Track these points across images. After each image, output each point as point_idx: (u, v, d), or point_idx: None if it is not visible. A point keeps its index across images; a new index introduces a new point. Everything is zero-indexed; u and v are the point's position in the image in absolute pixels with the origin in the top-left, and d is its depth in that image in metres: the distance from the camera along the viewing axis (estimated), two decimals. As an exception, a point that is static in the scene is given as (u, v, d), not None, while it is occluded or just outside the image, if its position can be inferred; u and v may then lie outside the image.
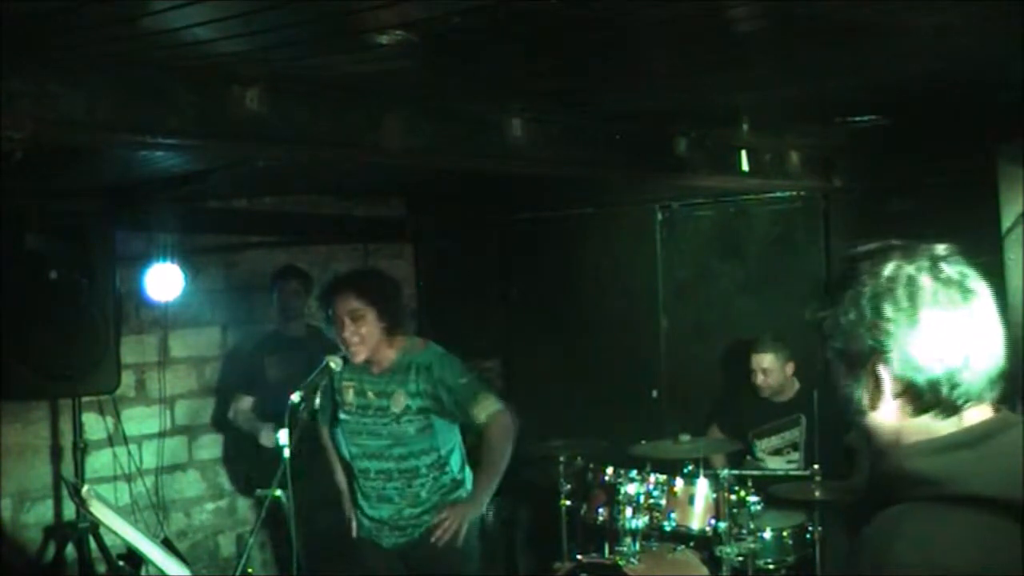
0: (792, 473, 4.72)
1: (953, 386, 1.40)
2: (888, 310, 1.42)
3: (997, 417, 1.43)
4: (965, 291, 1.43)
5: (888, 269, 1.44)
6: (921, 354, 1.40)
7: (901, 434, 1.44)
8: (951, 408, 1.41)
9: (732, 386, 5.44)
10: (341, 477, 4.33)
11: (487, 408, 3.96)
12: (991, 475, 1.35)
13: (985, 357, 1.42)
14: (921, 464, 1.38)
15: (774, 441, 5.20)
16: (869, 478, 1.49)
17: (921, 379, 1.41)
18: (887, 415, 1.45)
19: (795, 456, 5.13)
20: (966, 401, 1.41)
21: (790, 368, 5.09)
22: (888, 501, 1.39)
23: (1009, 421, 1.43)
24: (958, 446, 1.39)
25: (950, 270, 1.44)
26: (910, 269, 1.43)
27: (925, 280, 1.42)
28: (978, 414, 1.42)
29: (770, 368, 5.12)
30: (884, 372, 1.43)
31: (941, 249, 1.47)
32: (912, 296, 1.42)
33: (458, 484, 4.12)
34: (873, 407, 1.45)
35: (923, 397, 1.42)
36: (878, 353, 1.42)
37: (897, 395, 1.43)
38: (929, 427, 1.42)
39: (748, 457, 5.24)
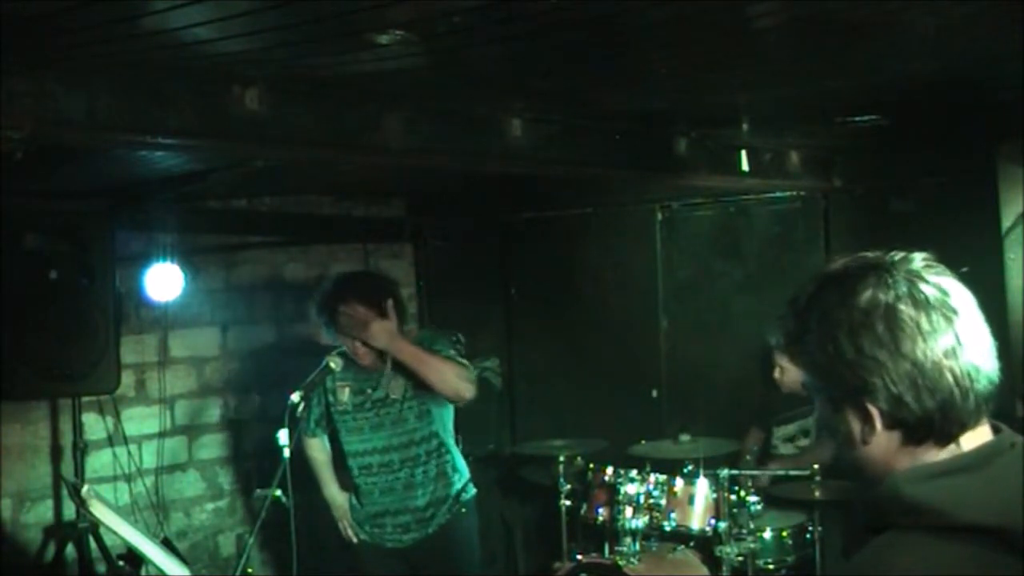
0: (792, 473, 4.73)
1: (947, 416, 1.33)
2: (869, 347, 1.33)
3: (996, 439, 1.36)
4: (948, 312, 1.33)
5: (863, 299, 1.34)
6: (910, 390, 1.32)
7: (893, 463, 1.36)
8: (946, 437, 1.34)
9: (763, 383, 5.42)
10: (335, 490, 4.32)
11: (467, 363, 3.98)
12: (991, 502, 1.27)
13: (977, 378, 1.33)
14: (918, 490, 1.29)
15: (790, 429, 5.26)
16: (861, 501, 1.40)
17: (912, 415, 1.33)
18: (877, 448, 1.37)
19: (804, 442, 5.20)
20: (962, 428, 1.34)
21: None
22: (881, 527, 1.32)
23: (1006, 442, 1.35)
24: (957, 471, 1.31)
25: (930, 290, 1.34)
26: (887, 297, 1.34)
27: (905, 308, 1.33)
28: (976, 436, 1.35)
29: (788, 367, 5.16)
30: (872, 409, 1.34)
31: (918, 262, 1.37)
32: (893, 329, 1.32)
33: (460, 475, 4.14)
34: (865, 442, 1.37)
35: (916, 431, 1.34)
36: (863, 392, 1.34)
37: (888, 429, 1.35)
38: (925, 455, 1.35)
39: (763, 448, 5.29)
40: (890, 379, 1.32)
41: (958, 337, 1.33)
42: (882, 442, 1.36)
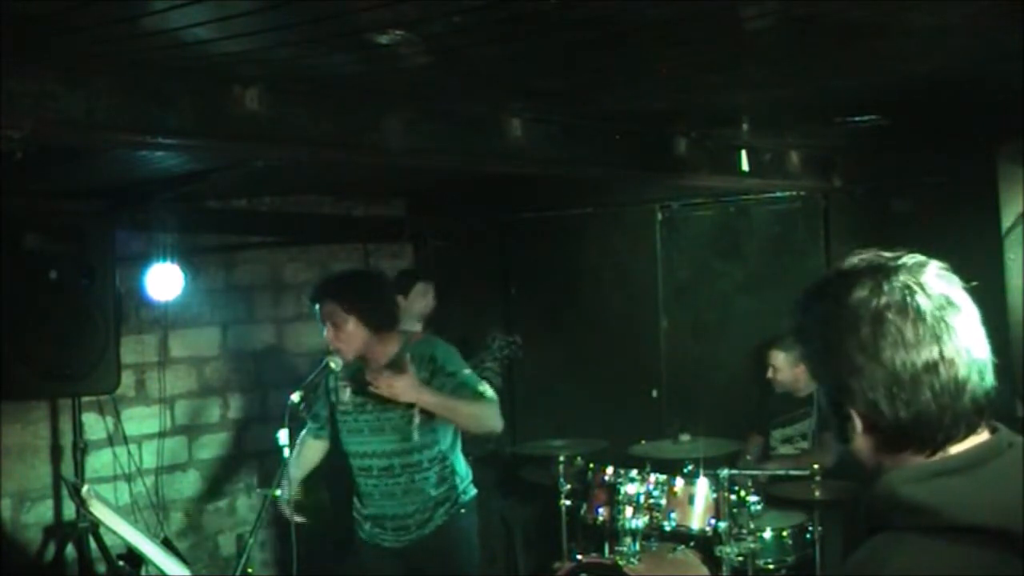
0: (792, 472, 4.73)
1: (923, 429, 1.31)
2: (851, 349, 1.32)
3: (993, 439, 1.34)
4: (939, 326, 1.30)
5: (854, 300, 1.33)
6: (884, 398, 1.31)
7: (883, 462, 1.35)
8: (929, 445, 1.32)
9: (760, 386, 5.43)
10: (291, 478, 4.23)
11: (488, 391, 4.00)
12: (989, 503, 1.26)
13: (959, 396, 1.31)
14: (915, 491, 1.28)
15: (788, 431, 5.29)
16: (862, 500, 1.39)
17: (886, 423, 1.32)
18: (863, 447, 1.37)
19: (803, 444, 5.23)
20: (947, 439, 1.32)
21: (801, 368, 5.11)
22: (878, 527, 1.31)
23: (1003, 442, 1.33)
24: (953, 472, 1.29)
25: (926, 301, 1.31)
26: (878, 302, 1.32)
27: (892, 316, 1.30)
28: (971, 438, 1.33)
29: (780, 366, 5.19)
30: (851, 411, 1.34)
31: (927, 271, 1.35)
32: (876, 335, 1.31)
33: (461, 479, 4.13)
34: (847, 439, 1.37)
35: (892, 439, 1.33)
36: (843, 393, 1.34)
37: (866, 432, 1.35)
38: (909, 460, 1.33)
39: (763, 450, 5.30)
40: (867, 384, 1.32)
41: (942, 352, 1.30)
42: (862, 444, 1.36)
